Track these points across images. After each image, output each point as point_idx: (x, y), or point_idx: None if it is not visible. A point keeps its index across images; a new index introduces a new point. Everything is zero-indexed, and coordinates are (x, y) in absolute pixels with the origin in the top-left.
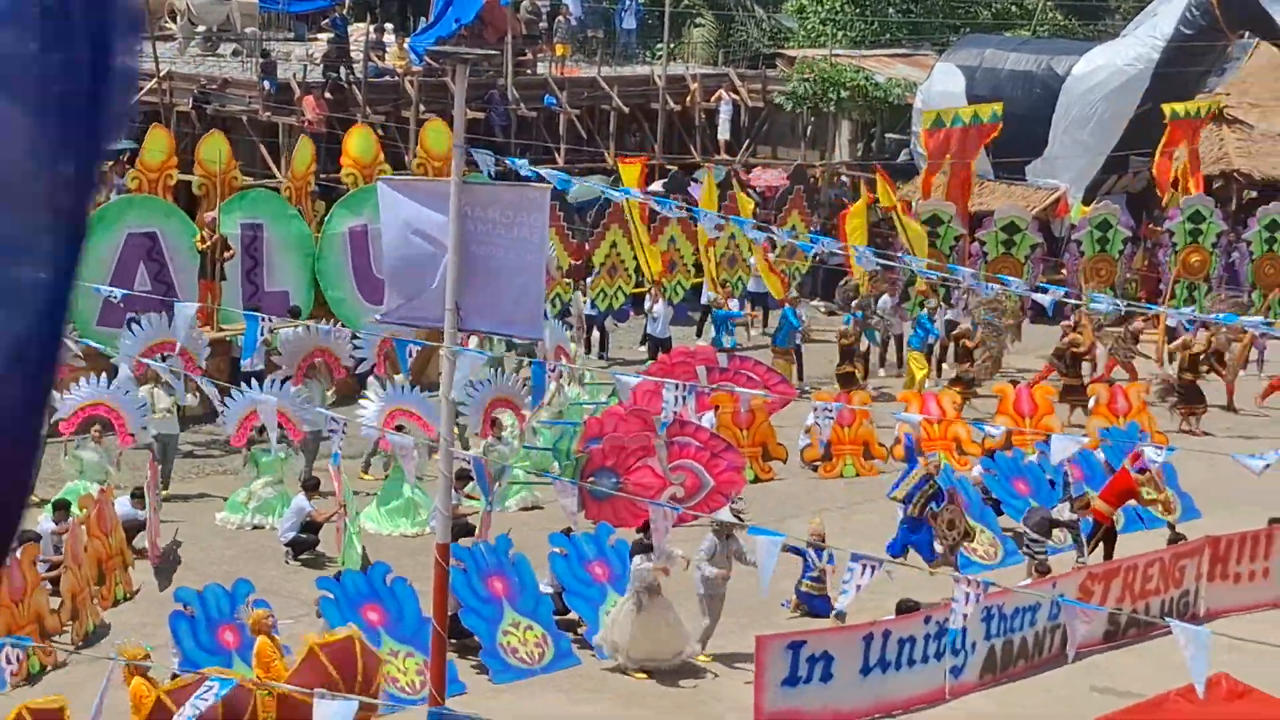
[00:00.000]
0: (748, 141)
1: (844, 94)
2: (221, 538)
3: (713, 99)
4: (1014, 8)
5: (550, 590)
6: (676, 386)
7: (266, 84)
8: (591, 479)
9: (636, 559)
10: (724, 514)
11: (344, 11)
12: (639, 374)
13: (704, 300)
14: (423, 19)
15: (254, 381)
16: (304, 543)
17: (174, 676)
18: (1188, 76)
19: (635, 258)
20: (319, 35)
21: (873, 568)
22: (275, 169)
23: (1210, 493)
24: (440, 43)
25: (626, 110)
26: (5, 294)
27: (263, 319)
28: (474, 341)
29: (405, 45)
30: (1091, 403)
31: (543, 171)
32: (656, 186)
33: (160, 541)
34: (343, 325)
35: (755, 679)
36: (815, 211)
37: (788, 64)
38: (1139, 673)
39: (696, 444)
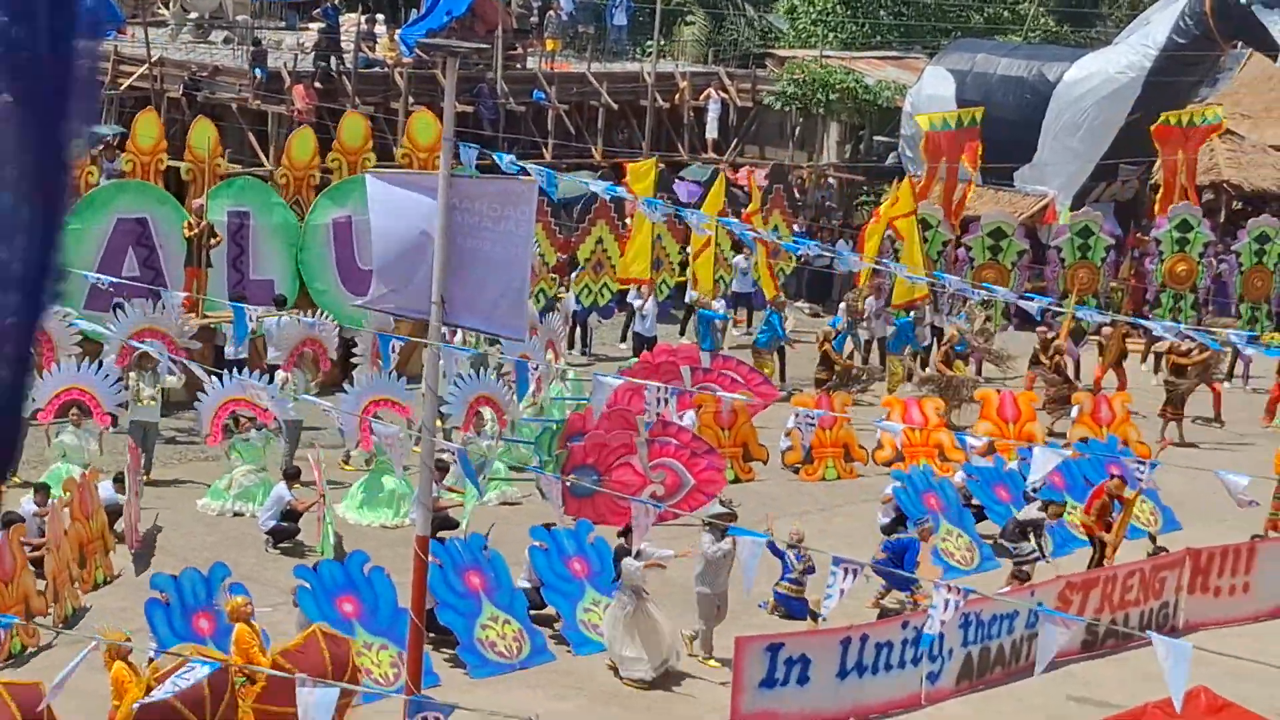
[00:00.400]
0: (736, 141)
1: (833, 95)
2: (202, 524)
3: (702, 97)
4: (1006, 13)
5: (527, 584)
6: (657, 388)
7: (257, 72)
8: (572, 476)
9: (626, 560)
10: (713, 509)
11: (336, 1)
12: (620, 372)
13: (688, 299)
14: (414, 10)
15: (236, 370)
16: (284, 531)
17: (150, 661)
18: (1180, 86)
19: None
20: (310, 24)
21: (854, 572)
22: (264, 157)
23: (1192, 505)
24: (431, 35)
25: (615, 107)
26: None
27: (248, 309)
28: (459, 337)
29: (396, 36)
30: (1075, 411)
31: (529, 167)
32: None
33: (140, 526)
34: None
35: (733, 680)
36: (801, 213)
37: (778, 64)
38: (1116, 683)
39: (677, 443)
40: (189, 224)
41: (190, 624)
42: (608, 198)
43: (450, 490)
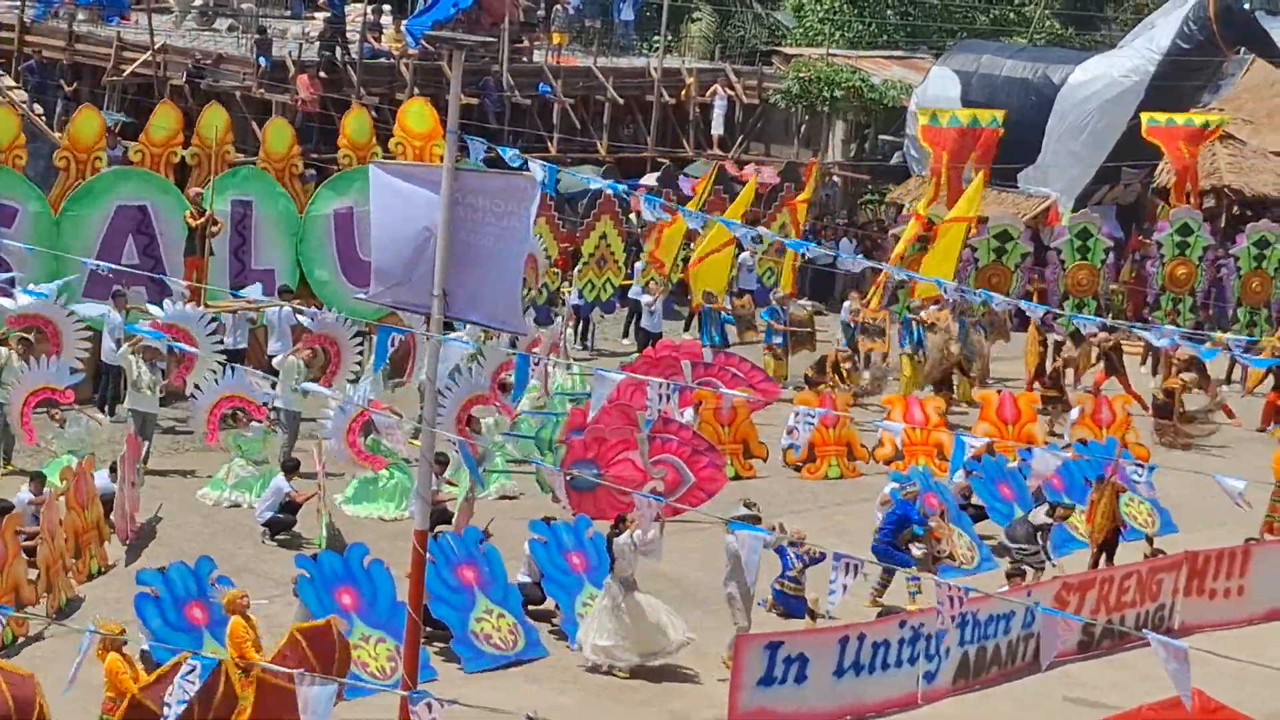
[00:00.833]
0: (741, 138)
1: (839, 94)
2: (199, 514)
3: (708, 94)
4: (1011, 15)
5: (527, 579)
6: (659, 384)
7: (261, 61)
8: (572, 470)
9: (619, 539)
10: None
11: None
12: (622, 367)
13: (637, 295)
14: (420, 2)
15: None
16: (281, 523)
17: (142, 654)
18: (1183, 90)
19: (629, 250)
20: (315, 14)
21: (855, 567)
22: None
23: (1190, 508)
24: (437, 27)
25: (621, 102)
26: None
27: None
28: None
29: (402, 28)
30: (1075, 413)
31: (532, 162)
32: (650, 180)
33: (140, 517)
34: (328, 308)
35: (731, 677)
36: (807, 211)
37: (784, 61)
38: (1112, 684)
39: (678, 440)
40: (191, 213)
41: (184, 615)
42: (610, 193)
43: (448, 483)
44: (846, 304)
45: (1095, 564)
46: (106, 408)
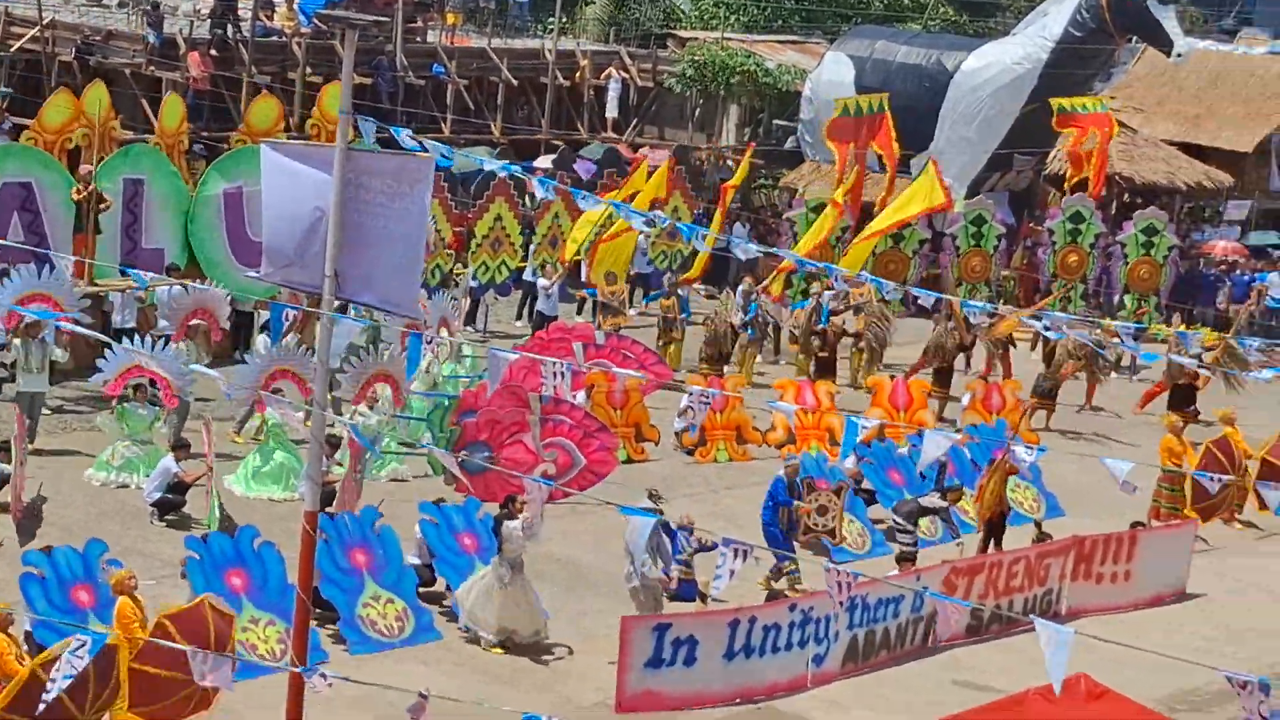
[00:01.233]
0: (635, 121)
1: (733, 78)
2: (86, 495)
3: (602, 76)
4: (906, 1)
5: (418, 561)
6: (553, 364)
7: (152, 37)
8: (464, 452)
9: (508, 523)
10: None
11: None
12: (515, 349)
13: (585, 279)
14: None
15: (126, 338)
16: (170, 503)
17: (26, 635)
18: (1075, 78)
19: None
20: None
21: (745, 553)
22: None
23: (1077, 493)
24: (330, 6)
25: (515, 83)
26: None
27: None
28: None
29: (295, 6)
30: (966, 399)
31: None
32: (544, 162)
33: (25, 496)
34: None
35: (619, 659)
36: (700, 195)
37: (679, 45)
38: (1000, 668)
39: (570, 422)
40: (77, 189)
41: (69, 597)
42: (505, 175)
43: (339, 464)
44: (741, 287)
45: (984, 547)
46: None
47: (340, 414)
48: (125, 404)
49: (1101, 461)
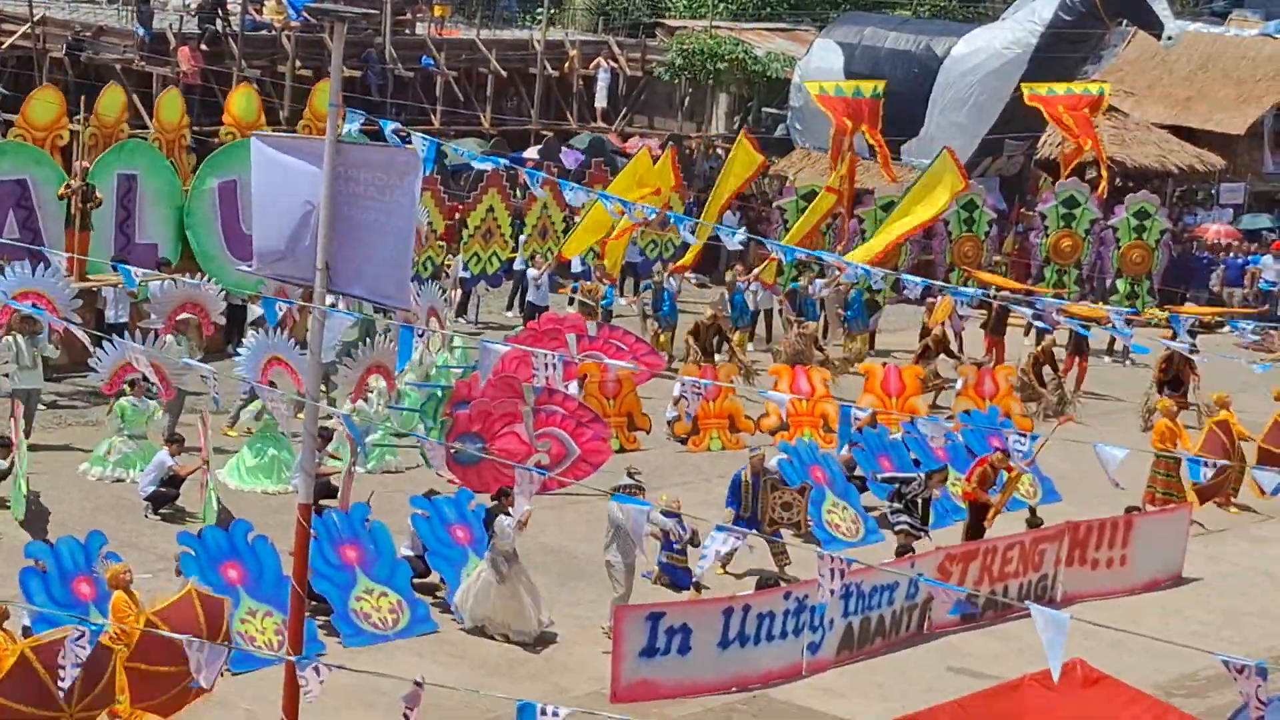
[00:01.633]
0: (625, 110)
1: (722, 66)
2: (82, 490)
3: (591, 66)
4: None
5: (411, 554)
6: (545, 355)
7: (142, 32)
8: (457, 443)
9: (500, 518)
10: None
11: None
12: (507, 340)
13: (575, 270)
14: None
15: (121, 334)
16: (164, 497)
17: (25, 631)
18: (1065, 62)
19: (514, 223)
20: None
21: (736, 539)
22: (148, 120)
23: (1071, 478)
24: None
25: (504, 74)
26: None
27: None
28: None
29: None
30: (959, 384)
31: (415, 135)
32: (531, 153)
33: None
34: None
35: (613, 649)
36: (690, 183)
37: (668, 34)
38: (996, 655)
39: (563, 412)
40: (66, 185)
41: (70, 590)
42: (489, 169)
43: (333, 456)
44: (728, 277)
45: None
46: None
47: (334, 405)
48: (122, 399)
49: (1095, 449)
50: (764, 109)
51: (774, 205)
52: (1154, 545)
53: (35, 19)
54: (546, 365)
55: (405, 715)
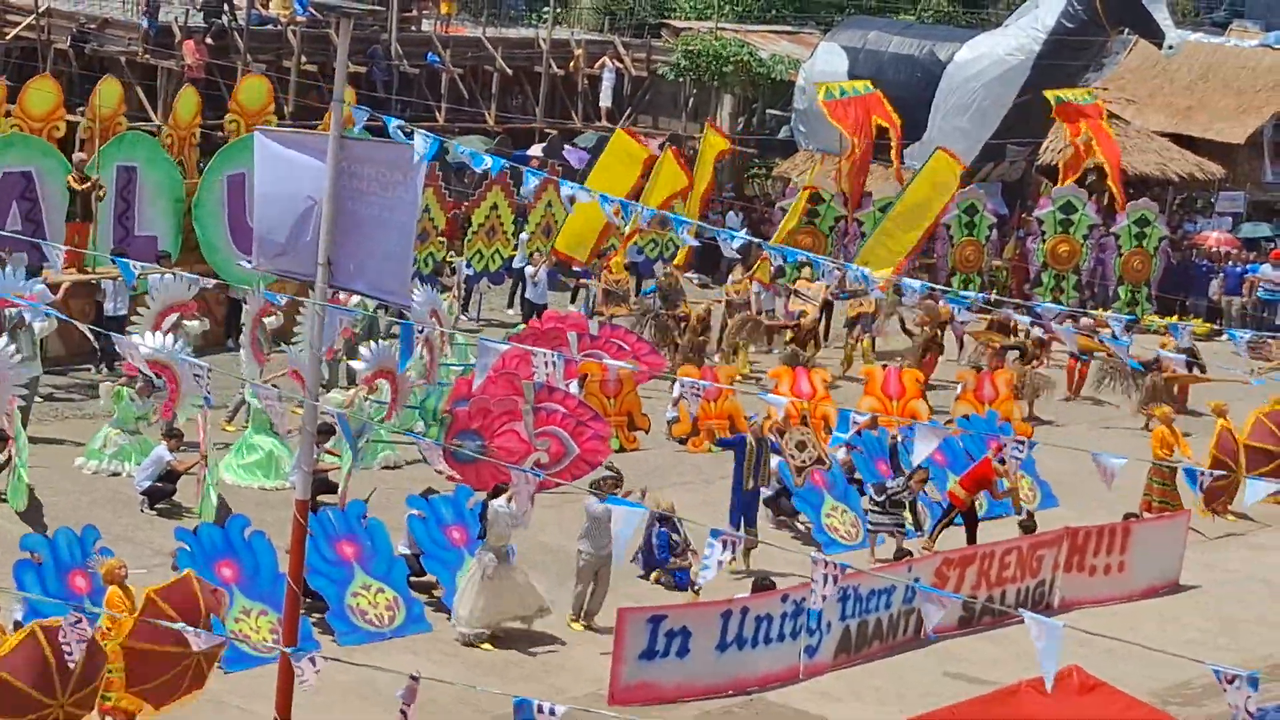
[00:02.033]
0: (629, 110)
1: (727, 68)
2: (77, 483)
3: (596, 65)
4: None
5: (407, 552)
6: (545, 354)
7: (147, 25)
8: (456, 441)
9: (493, 503)
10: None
11: None
12: (508, 338)
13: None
14: None
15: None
16: (160, 492)
17: (16, 625)
18: (1067, 69)
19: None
20: None
21: (733, 544)
22: (152, 113)
23: (1069, 483)
24: None
25: (510, 72)
26: None
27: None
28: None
29: None
30: (959, 389)
31: (417, 131)
32: (535, 150)
33: None
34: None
35: (613, 651)
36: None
37: (673, 35)
38: (992, 660)
39: (563, 411)
40: (74, 177)
41: (66, 583)
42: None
43: (329, 453)
44: (731, 278)
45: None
46: None
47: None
48: (126, 389)
49: (1094, 456)
50: (768, 111)
51: (776, 206)
52: (1152, 552)
53: (40, 10)
54: (546, 364)
55: (402, 712)
